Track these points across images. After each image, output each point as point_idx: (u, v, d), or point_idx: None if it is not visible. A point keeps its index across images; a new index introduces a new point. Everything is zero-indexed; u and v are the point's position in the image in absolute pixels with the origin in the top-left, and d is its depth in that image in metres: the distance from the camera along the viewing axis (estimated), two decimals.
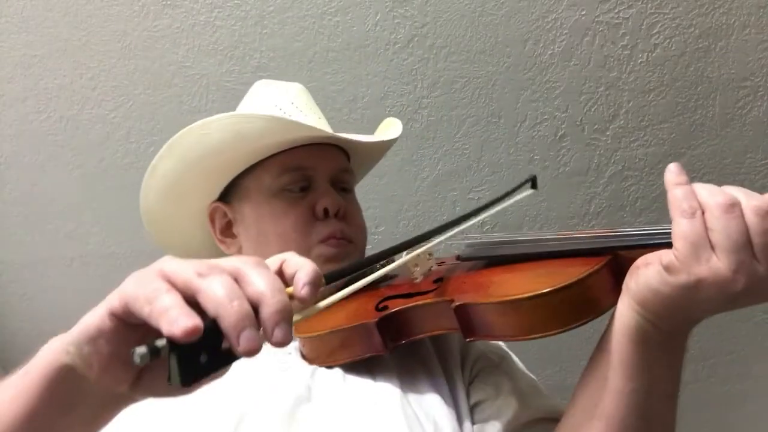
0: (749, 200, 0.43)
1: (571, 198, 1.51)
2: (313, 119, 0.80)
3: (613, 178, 1.48)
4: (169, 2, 1.27)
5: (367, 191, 1.48)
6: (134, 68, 1.35)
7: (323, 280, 0.39)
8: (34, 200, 1.52)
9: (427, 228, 1.65)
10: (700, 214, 0.43)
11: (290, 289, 0.37)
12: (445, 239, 0.61)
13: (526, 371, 0.75)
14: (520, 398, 0.66)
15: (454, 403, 0.66)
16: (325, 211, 0.74)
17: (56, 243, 1.57)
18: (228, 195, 0.79)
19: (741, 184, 1.50)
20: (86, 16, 1.29)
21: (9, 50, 1.32)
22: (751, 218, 0.42)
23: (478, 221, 0.65)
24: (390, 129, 0.87)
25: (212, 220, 0.80)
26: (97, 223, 1.54)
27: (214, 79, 1.36)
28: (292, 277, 0.38)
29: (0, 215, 1.54)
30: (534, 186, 0.78)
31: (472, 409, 0.67)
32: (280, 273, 0.39)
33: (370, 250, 1.53)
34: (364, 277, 0.47)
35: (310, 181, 0.76)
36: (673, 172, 0.46)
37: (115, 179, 1.47)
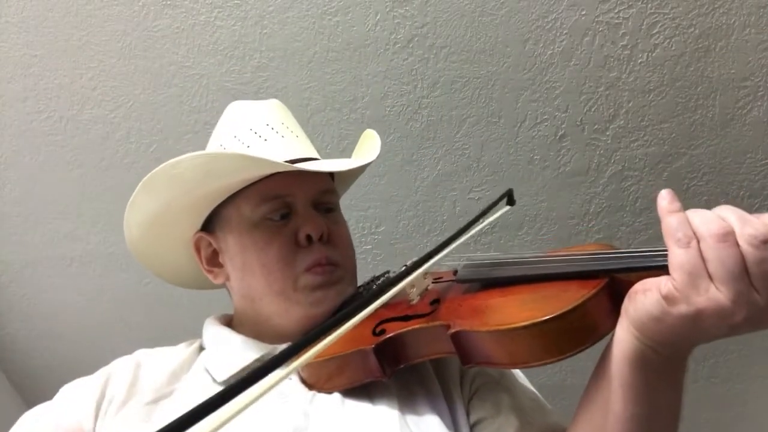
0: (744, 228, 0.42)
1: (571, 198, 1.51)
2: (291, 139, 0.77)
3: (613, 178, 1.48)
4: (169, 2, 1.27)
5: (367, 191, 1.48)
6: (134, 68, 1.35)
7: None
8: (34, 200, 1.52)
9: (427, 228, 1.65)
10: (696, 244, 0.43)
11: None
12: (433, 264, 0.59)
13: (528, 385, 0.74)
14: (521, 415, 0.65)
15: (453, 424, 0.65)
16: (308, 238, 0.72)
17: (56, 243, 1.57)
18: (211, 224, 0.77)
19: (741, 184, 1.51)
20: (86, 16, 1.29)
21: (9, 50, 1.32)
22: (746, 248, 0.41)
23: (463, 242, 0.62)
24: (370, 146, 0.82)
25: (198, 250, 0.78)
26: (97, 223, 1.54)
27: (214, 79, 1.36)
28: None
29: (0, 215, 1.54)
30: (510, 202, 0.75)
31: (473, 427, 0.66)
32: None
33: (370, 250, 1.54)
34: (358, 313, 0.45)
35: (290, 207, 0.74)
36: (665, 199, 0.45)
37: (115, 179, 1.47)
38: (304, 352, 0.39)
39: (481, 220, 0.67)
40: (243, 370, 0.69)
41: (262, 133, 0.75)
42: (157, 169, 0.67)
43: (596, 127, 1.41)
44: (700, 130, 1.41)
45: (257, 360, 0.71)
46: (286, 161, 0.71)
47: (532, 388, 0.74)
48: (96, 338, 1.67)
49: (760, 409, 1.84)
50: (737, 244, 0.42)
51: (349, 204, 1.47)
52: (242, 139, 0.75)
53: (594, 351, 0.56)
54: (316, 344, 0.40)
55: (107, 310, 1.65)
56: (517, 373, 0.76)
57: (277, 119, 0.78)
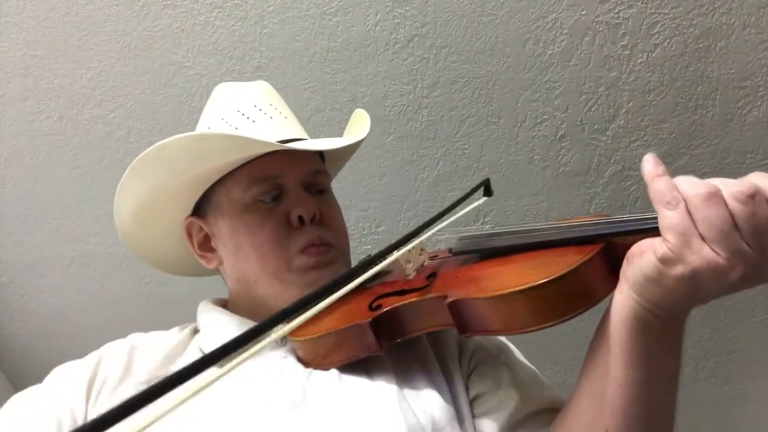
0: (729, 187, 0.43)
1: (571, 198, 1.51)
2: (279, 120, 0.76)
3: (613, 178, 1.48)
4: (169, 2, 1.27)
5: (367, 191, 1.48)
6: (134, 68, 1.35)
7: None
8: (34, 200, 1.52)
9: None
10: (684, 205, 0.43)
11: None
12: (426, 238, 0.60)
13: (526, 361, 0.74)
14: (521, 389, 0.66)
15: (452, 398, 0.66)
16: (300, 219, 0.71)
17: (56, 243, 1.57)
18: (201, 208, 0.76)
19: None
20: (86, 16, 1.29)
21: (9, 50, 1.32)
22: (733, 205, 0.42)
23: (437, 230, 0.63)
24: (360, 125, 0.81)
25: (189, 235, 0.78)
26: (97, 223, 1.54)
27: (214, 79, 1.36)
28: None
29: (0, 215, 1.54)
30: (487, 192, 0.73)
31: (472, 402, 0.67)
32: None
33: (369, 250, 1.54)
34: (351, 281, 0.45)
35: (281, 188, 0.73)
36: (650, 163, 0.46)
37: (115, 179, 1.46)
38: (297, 316, 0.39)
39: (455, 210, 0.66)
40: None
41: (250, 115, 0.75)
42: (145, 152, 0.66)
43: (596, 127, 1.41)
44: (700, 130, 1.41)
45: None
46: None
47: (530, 364, 0.74)
48: (96, 338, 1.66)
49: (760, 409, 1.84)
50: (725, 203, 0.42)
51: (349, 204, 1.47)
52: (230, 121, 0.74)
53: None
54: (308, 309, 0.40)
55: (107, 310, 1.65)
56: (515, 349, 0.76)
57: (264, 100, 0.77)
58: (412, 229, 0.59)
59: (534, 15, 1.29)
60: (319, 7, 1.28)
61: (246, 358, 0.36)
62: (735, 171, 1.45)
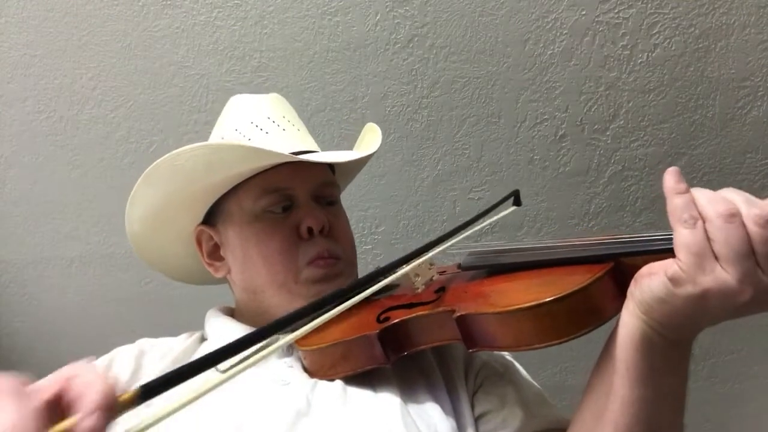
0: (750, 209, 0.42)
1: (571, 198, 1.51)
2: (292, 132, 0.78)
3: (613, 178, 1.48)
4: (169, 2, 1.27)
5: (367, 191, 1.48)
6: (134, 68, 1.35)
7: (119, 402, 0.32)
8: (34, 200, 1.52)
9: (427, 228, 1.65)
10: (701, 224, 0.43)
11: (68, 422, 0.30)
12: (440, 251, 0.60)
13: (531, 380, 0.74)
14: (526, 408, 0.66)
15: (455, 413, 0.66)
16: (310, 230, 0.72)
17: (56, 243, 1.57)
18: (212, 217, 0.78)
19: (741, 184, 1.50)
20: (86, 16, 1.29)
21: (9, 50, 1.32)
22: (752, 228, 0.41)
23: (464, 236, 0.64)
24: (371, 139, 0.83)
25: (199, 244, 0.79)
26: (97, 223, 1.54)
27: (214, 79, 1.36)
28: (74, 403, 0.32)
29: (0, 215, 1.54)
30: (517, 203, 0.76)
31: (477, 420, 0.67)
32: (59, 397, 0.32)
33: (370, 250, 1.54)
34: (359, 293, 0.45)
35: (291, 199, 0.74)
36: (672, 178, 0.45)
37: (115, 179, 1.47)
38: (304, 323, 0.39)
39: (484, 218, 0.68)
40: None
41: (264, 126, 0.76)
42: (158, 161, 0.67)
43: (596, 127, 1.41)
44: (700, 130, 1.41)
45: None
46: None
47: (535, 383, 0.74)
48: (96, 338, 1.66)
49: (760, 409, 1.84)
50: (743, 225, 0.42)
51: (349, 204, 1.46)
52: (243, 132, 0.76)
53: (595, 349, 0.56)
54: (315, 318, 0.40)
55: (107, 310, 1.65)
56: (520, 368, 0.76)
57: (278, 112, 0.78)
58: (433, 239, 0.60)
59: (534, 15, 1.29)
60: (319, 7, 1.28)
61: (251, 364, 0.35)
62: (735, 171, 1.45)
